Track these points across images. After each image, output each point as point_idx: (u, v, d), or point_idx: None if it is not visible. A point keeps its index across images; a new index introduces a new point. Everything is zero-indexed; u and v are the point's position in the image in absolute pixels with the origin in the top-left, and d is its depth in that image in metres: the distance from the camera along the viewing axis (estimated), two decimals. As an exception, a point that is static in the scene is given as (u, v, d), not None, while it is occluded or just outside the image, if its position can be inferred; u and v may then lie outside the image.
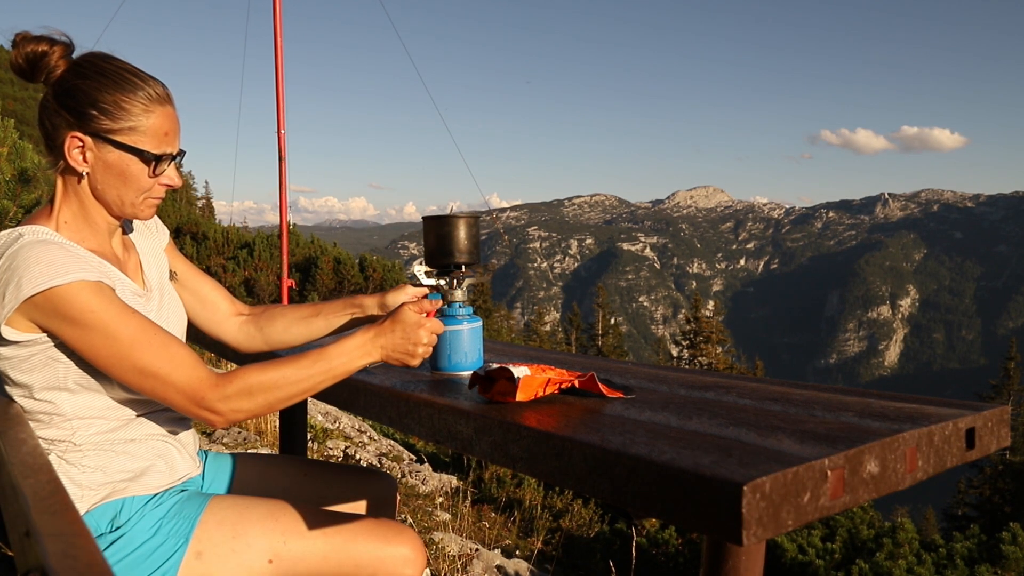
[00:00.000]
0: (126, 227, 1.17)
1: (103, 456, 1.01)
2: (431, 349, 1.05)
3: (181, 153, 1.07)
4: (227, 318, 1.25)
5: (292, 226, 10.87)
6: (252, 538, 1.01)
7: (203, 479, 1.24)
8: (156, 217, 1.24)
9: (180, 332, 1.16)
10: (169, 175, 1.05)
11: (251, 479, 1.27)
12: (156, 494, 1.05)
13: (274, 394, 0.96)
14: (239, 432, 3.90)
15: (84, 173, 1.00)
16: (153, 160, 1.01)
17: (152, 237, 1.22)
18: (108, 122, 0.98)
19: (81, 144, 0.99)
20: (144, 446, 1.06)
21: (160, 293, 1.15)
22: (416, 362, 1.02)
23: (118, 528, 0.99)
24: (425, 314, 1.03)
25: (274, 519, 1.04)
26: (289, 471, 1.30)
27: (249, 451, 2.55)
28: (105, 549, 0.97)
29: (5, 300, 0.92)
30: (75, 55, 1.02)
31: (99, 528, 0.99)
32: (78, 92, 0.98)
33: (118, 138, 0.99)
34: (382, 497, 1.33)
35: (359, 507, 1.30)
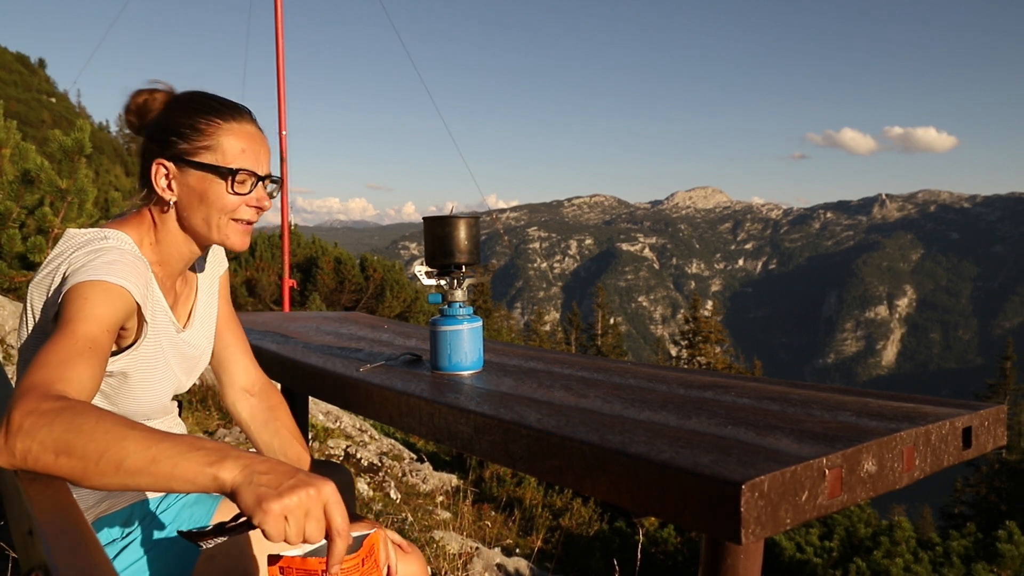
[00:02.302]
0: (197, 263, 1.17)
1: None
2: (298, 520, 0.63)
3: (270, 177, 1.04)
4: (237, 394, 1.23)
5: (293, 227, 10.87)
6: (265, 542, 1.00)
7: None
8: (226, 262, 1.24)
9: (193, 375, 1.14)
10: (255, 195, 1.02)
11: None
12: (164, 496, 1.06)
13: (84, 445, 0.66)
14: (241, 432, 3.90)
15: (171, 202, 1.01)
16: (229, 174, 1.00)
17: (213, 279, 1.21)
18: (186, 144, 0.99)
19: (166, 171, 1.00)
20: None
21: (199, 330, 1.14)
22: (273, 507, 0.62)
23: (129, 534, 1.00)
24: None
25: None
26: None
27: (251, 450, 2.55)
28: (118, 555, 0.97)
29: (60, 286, 0.90)
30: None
31: (111, 535, 0.99)
32: (162, 122, 1.01)
33: (196, 158, 0.99)
34: (344, 488, 1.37)
35: None
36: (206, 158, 0.99)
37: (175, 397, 1.18)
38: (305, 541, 0.65)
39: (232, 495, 0.64)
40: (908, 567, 4.18)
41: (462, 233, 1.19)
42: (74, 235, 0.96)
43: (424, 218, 1.22)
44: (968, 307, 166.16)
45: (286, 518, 0.63)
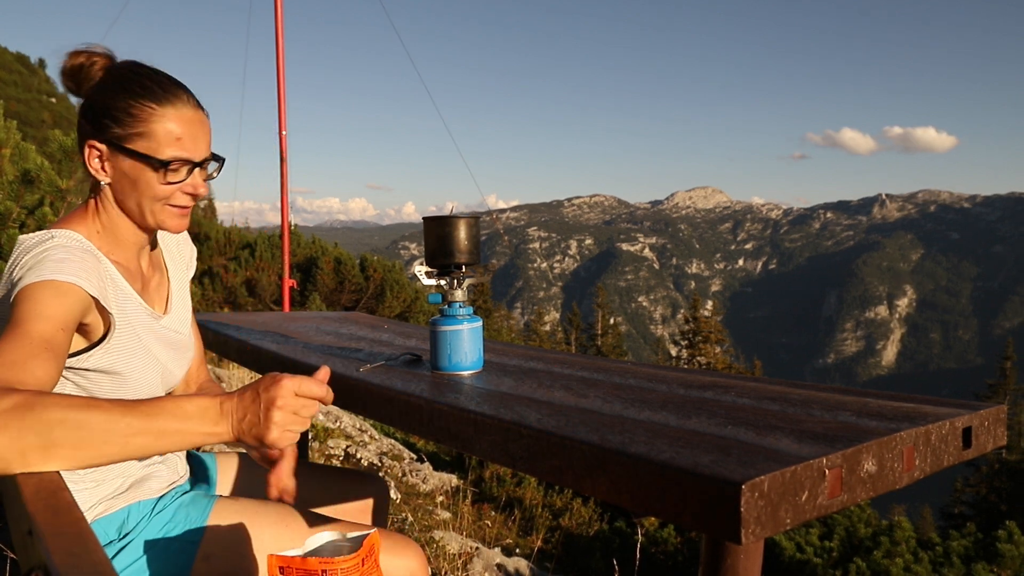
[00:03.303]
0: (162, 248, 1.16)
1: (100, 470, 1.00)
2: (295, 423, 0.75)
3: (213, 159, 1.03)
4: (179, 390, 1.22)
5: (293, 227, 10.86)
6: (261, 541, 1.01)
7: (208, 478, 1.24)
8: (192, 247, 1.23)
9: (182, 363, 1.14)
10: (191, 183, 1.01)
11: (255, 480, 1.27)
12: (160, 497, 1.06)
13: (63, 437, 0.66)
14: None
15: (105, 183, 0.99)
16: (161, 166, 0.98)
17: (181, 264, 1.20)
18: (119, 129, 0.97)
19: (99, 153, 0.98)
20: None
21: (178, 316, 1.14)
22: (273, 435, 0.74)
23: (126, 535, 1.00)
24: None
25: (284, 523, 1.04)
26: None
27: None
28: (116, 556, 0.97)
29: (9, 292, 0.89)
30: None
31: (108, 536, 0.99)
32: (96, 101, 0.98)
33: (128, 145, 0.97)
34: (377, 500, 1.35)
35: (356, 509, 1.31)
36: (139, 146, 0.97)
37: (174, 393, 1.18)
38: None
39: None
40: (908, 567, 4.18)
41: (462, 233, 1.19)
42: (23, 240, 0.95)
43: (424, 218, 1.22)
44: (968, 307, 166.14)
45: (287, 431, 0.74)
